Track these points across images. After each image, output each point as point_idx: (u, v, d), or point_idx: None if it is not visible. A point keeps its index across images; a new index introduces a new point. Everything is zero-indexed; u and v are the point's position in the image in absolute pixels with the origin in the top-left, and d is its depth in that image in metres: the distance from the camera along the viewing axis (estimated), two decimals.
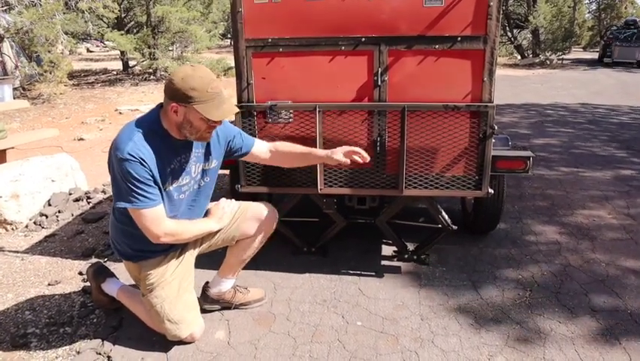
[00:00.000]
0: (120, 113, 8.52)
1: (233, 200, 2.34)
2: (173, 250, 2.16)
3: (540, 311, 2.43)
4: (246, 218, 2.31)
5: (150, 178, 1.89)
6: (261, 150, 2.33)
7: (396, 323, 2.34)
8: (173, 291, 2.13)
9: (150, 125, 1.95)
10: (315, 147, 2.52)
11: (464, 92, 2.43)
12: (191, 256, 2.24)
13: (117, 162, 1.86)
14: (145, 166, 1.87)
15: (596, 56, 21.62)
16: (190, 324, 2.16)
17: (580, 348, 2.14)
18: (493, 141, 2.53)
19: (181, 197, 2.08)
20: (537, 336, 2.23)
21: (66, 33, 10.10)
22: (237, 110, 1.97)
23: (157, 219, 1.94)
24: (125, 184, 1.86)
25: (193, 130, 1.94)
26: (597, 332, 2.26)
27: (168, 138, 1.98)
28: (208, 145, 2.15)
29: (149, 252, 2.10)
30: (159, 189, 1.95)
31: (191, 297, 2.23)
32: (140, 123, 1.95)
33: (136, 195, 1.87)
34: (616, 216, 3.66)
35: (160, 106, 2.01)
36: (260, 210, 2.34)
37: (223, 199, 2.29)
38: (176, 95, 1.87)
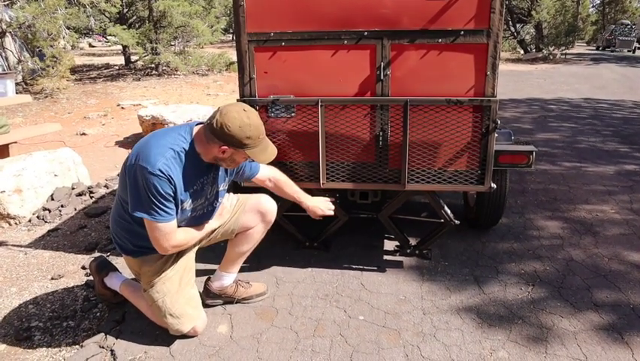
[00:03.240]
0: (122, 108, 8.53)
1: (231, 193, 2.34)
2: None
3: (542, 306, 2.42)
4: (245, 210, 2.31)
5: (172, 195, 1.92)
6: (264, 175, 2.38)
7: (399, 317, 2.35)
8: (174, 285, 2.13)
9: (183, 144, 1.96)
10: (318, 142, 2.53)
11: (467, 86, 2.42)
12: (191, 251, 2.24)
13: (144, 175, 1.85)
14: (171, 184, 1.89)
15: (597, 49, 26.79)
16: (192, 318, 2.16)
17: (582, 343, 2.14)
18: (496, 135, 2.52)
19: (194, 215, 2.11)
20: (539, 331, 2.23)
21: (68, 28, 10.10)
22: (276, 151, 2.11)
23: (169, 233, 1.96)
24: (147, 197, 1.87)
25: (232, 164, 2.04)
26: (600, 326, 2.26)
27: (197, 160, 2.00)
28: (226, 169, 2.18)
29: (149, 248, 2.10)
30: (176, 205, 1.97)
31: (193, 291, 2.23)
32: (173, 141, 1.95)
33: (156, 210, 1.89)
34: (619, 211, 3.65)
35: (195, 125, 2.02)
36: (258, 202, 2.35)
37: None
38: (230, 141, 1.92)
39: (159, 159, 1.86)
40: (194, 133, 2.00)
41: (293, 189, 2.43)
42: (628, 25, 26.82)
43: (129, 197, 1.93)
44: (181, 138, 1.97)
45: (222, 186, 2.20)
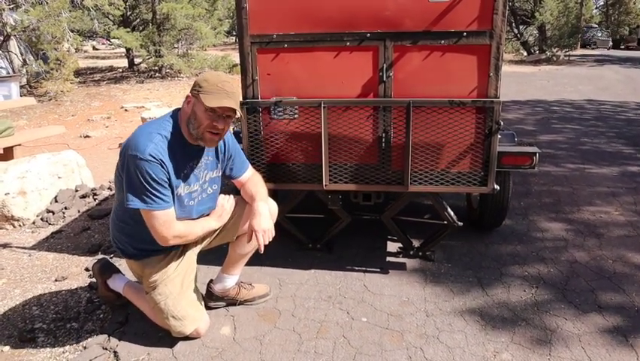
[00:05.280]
0: (126, 110, 8.56)
1: (231, 195, 2.34)
2: (175, 248, 2.16)
3: (546, 308, 2.41)
4: (245, 213, 2.31)
5: (166, 181, 1.92)
6: (244, 179, 2.29)
7: (402, 319, 2.34)
8: (176, 287, 2.13)
9: (168, 128, 1.97)
10: (321, 144, 2.53)
11: (470, 87, 2.42)
12: (192, 253, 2.25)
13: (135, 162, 1.85)
14: (164, 168, 1.89)
15: (601, 51, 28.69)
16: (194, 320, 2.16)
17: (586, 345, 2.13)
18: (499, 136, 2.52)
19: (191, 203, 2.11)
20: (543, 333, 2.22)
21: (72, 31, 10.14)
22: (237, 107, 1.97)
23: (168, 222, 1.96)
24: (141, 185, 1.87)
25: (196, 124, 1.95)
26: (604, 329, 2.25)
27: (184, 142, 2.00)
28: (217, 153, 2.18)
29: (151, 251, 2.11)
30: (172, 192, 1.97)
31: (195, 293, 2.23)
32: (159, 126, 1.97)
33: (151, 197, 1.89)
34: (623, 212, 3.64)
35: (178, 110, 2.05)
36: None
37: (221, 196, 2.29)
38: (192, 87, 1.97)
39: (148, 144, 1.87)
40: (178, 115, 2.03)
41: (254, 192, 2.24)
42: (597, 28, 32.78)
43: (124, 189, 1.92)
44: (167, 122, 1.99)
45: (214, 173, 2.19)
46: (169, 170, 1.92)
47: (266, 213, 2.14)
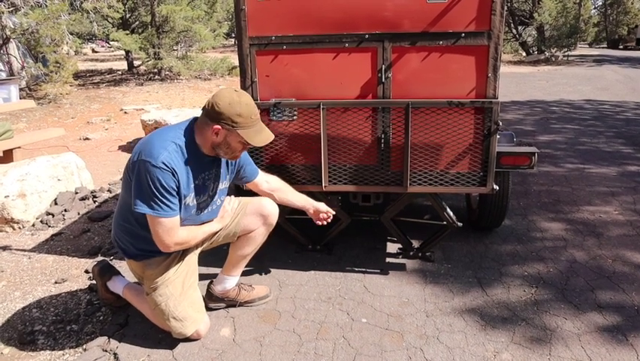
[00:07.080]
0: (125, 112, 8.56)
1: (232, 196, 2.35)
2: None
3: (546, 308, 2.42)
4: (246, 214, 2.32)
5: (175, 189, 1.93)
6: (262, 180, 2.40)
7: (402, 319, 2.34)
8: (177, 289, 2.13)
9: (184, 138, 1.98)
10: (320, 145, 2.54)
11: (468, 88, 2.42)
12: (194, 254, 2.25)
13: (147, 168, 1.86)
14: (174, 177, 1.90)
15: (600, 51, 29.44)
16: (195, 321, 2.16)
17: (586, 345, 2.13)
18: (498, 137, 2.52)
19: (197, 213, 2.12)
20: (543, 333, 2.23)
21: (71, 33, 10.14)
22: (273, 136, 2.09)
23: (172, 230, 1.97)
24: (150, 190, 1.88)
25: (229, 151, 2.02)
26: (604, 328, 2.25)
27: (199, 153, 2.01)
28: (227, 166, 2.20)
29: (152, 251, 2.11)
30: (179, 200, 1.97)
31: (196, 294, 2.24)
32: (174, 135, 1.97)
33: (159, 203, 1.90)
34: (622, 212, 3.64)
35: (194, 120, 2.04)
36: (260, 205, 2.35)
37: None
38: (220, 118, 1.93)
39: (162, 152, 1.88)
40: (194, 126, 2.02)
41: (296, 197, 2.44)
42: None
43: (133, 193, 1.93)
44: (182, 132, 1.99)
45: (223, 184, 2.21)
46: (179, 179, 1.93)
47: (315, 202, 2.45)
